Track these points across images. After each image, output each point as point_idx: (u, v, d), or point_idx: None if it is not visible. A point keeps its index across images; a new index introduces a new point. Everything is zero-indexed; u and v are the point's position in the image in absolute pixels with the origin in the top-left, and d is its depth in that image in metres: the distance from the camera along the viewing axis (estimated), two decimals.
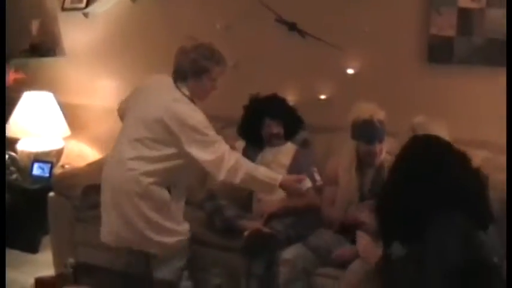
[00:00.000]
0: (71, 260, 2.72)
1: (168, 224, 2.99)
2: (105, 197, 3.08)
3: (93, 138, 4.77)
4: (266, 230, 3.07)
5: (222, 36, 4.03)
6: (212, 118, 4.01)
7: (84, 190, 3.68)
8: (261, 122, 3.53)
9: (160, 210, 2.95)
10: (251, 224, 3.17)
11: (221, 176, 2.88)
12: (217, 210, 3.29)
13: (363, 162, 3.05)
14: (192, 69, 3.04)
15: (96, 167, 4.04)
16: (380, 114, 2.97)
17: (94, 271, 2.98)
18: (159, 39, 4.35)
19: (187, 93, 3.06)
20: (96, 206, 3.51)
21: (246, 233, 3.05)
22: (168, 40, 4.29)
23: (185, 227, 3.10)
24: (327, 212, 3.17)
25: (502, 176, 3.05)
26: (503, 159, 3.15)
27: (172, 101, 3.00)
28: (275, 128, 3.50)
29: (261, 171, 2.97)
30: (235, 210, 3.31)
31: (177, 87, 3.06)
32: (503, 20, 3.28)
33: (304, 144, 3.57)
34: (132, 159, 2.94)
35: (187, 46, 3.08)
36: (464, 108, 3.50)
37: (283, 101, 3.59)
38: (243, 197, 3.51)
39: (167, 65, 4.28)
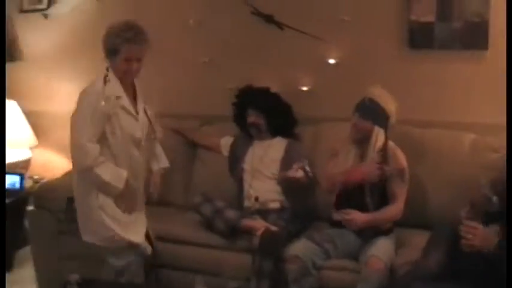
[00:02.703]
0: (76, 276, 2.68)
1: None
2: None
3: (61, 145, 4.67)
4: (273, 228, 3.16)
5: (196, 32, 4.07)
6: (189, 116, 4.11)
7: (68, 202, 3.59)
8: (246, 112, 3.64)
9: None
10: (255, 223, 3.24)
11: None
12: (217, 213, 3.33)
13: (352, 136, 3.17)
14: (104, 50, 3.01)
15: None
16: (377, 97, 3.08)
17: (100, 286, 2.97)
18: None
19: (110, 76, 3.00)
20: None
21: (258, 233, 3.11)
22: None
23: None
24: (329, 178, 3.24)
25: (494, 156, 3.25)
26: (491, 139, 3.35)
27: None
28: (255, 118, 3.59)
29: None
30: (234, 211, 3.36)
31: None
32: (482, 3, 3.44)
33: (293, 137, 3.66)
34: None
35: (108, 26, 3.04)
36: (446, 92, 3.65)
37: (267, 94, 3.67)
38: (234, 196, 3.58)
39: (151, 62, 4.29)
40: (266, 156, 3.55)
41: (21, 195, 4.18)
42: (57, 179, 3.99)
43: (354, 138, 3.14)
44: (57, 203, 3.64)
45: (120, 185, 2.97)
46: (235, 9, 3.90)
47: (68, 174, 4.12)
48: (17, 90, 4.69)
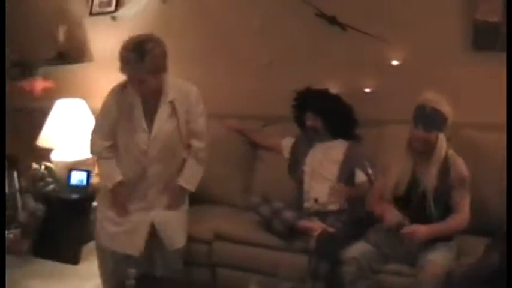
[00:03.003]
0: (133, 271, 2.76)
1: None
2: None
3: None
4: (331, 229, 3.15)
5: (259, 33, 4.10)
6: (251, 117, 4.14)
7: None
8: (305, 115, 3.63)
9: None
10: (312, 224, 3.24)
11: None
12: (275, 213, 3.35)
13: (413, 148, 3.04)
14: None
15: None
16: (436, 103, 2.97)
17: (156, 282, 3.04)
18: (191, 41, 4.41)
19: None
20: None
21: (315, 234, 3.11)
22: (201, 41, 4.37)
23: None
24: (374, 206, 3.20)
25: None
26: None
27: None
28: (313, 121, 3.58)
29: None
30: (292, 211, 3.36)
31: None
32: None
33: (354, 139, 3.62)
34: None
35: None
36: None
37: (326, 96, 3.66)
38: (293, 197, 3.59)
39: (201, 67, 4.37)
40: (326, 158, 3.54)
41: (88, 192, 4.31)
42: None
43: (417, 150, 3.03)
44: None
45: (109, 184, 3.20)
46: (298, 10, 3.90)
47: None
48: (86, 90, 4.86)
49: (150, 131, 3.09)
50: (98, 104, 4.71)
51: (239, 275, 3.33)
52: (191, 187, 3.32)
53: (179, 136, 3.18)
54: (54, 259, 4.30)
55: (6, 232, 4.90)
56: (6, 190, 5.30)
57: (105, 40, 4.78)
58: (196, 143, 3.27)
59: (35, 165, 4.66)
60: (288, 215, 3.32)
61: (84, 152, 4.57)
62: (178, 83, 3.21)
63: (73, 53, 4.86)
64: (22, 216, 4.93)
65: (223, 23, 4.26)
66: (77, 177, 4.47)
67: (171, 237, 3.28)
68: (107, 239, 3.30)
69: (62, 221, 4.33)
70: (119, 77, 4.66)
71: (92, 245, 4.25)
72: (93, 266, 3.98)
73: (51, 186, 4.53)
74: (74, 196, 4.30)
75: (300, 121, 3.73)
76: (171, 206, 3.28)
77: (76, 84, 4.96)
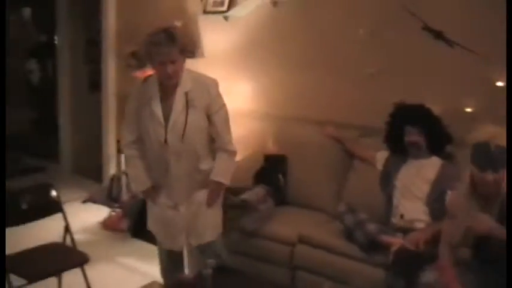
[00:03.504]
0: (211, 261, 2.91)
1: None
2: None
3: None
4: (411, 247, 3.13)
5: (365, 41, 4.12)
6: (350, 126, 4.18)
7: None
8: (403, 130, 3.59)
9: None
10: (393, 240, 3.24)
11: None
12: (359, 224, 3.38)
13: (478, 191, 2.76)
14: (143, 57, 3.26)
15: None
16: (499, 138, 2.76)
17: (233, 274, 3.18)
18: (298, 43, 4.51)
19: (151, 78, 3.23)
20: (232, 208, 3.77)
21: (393, 249, 3.12)
22: (307, 44, 4.46)
23: None
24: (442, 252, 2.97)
25: None
26: None
27: None
28: (414, 136, 3.54)
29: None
30: (376, 224, 3.38)
31: None
32: None
33: (448, 158, 3.57)
34: None
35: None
36: None
37: (427, 111, 3.61)
38: (381, 211, 3.60)
39: (306, 69, 4.47)
40: (418, 175, 3.50)
41: None
42: None
43: (483, 195, 2.77)
44: None
45: (139, 188, 3.38)
46: (405, 22, 3.88)
47: None
48: None
49: (166, 124, 3.10)
50: None
51: (316, 280, 3.40)
52: (224, 180, 3.28)
53: (198, 129, 3.16)
54: (149, 241, 4.56)
55: (110, 210, 5.29)
56: (114, 171, 5.70)
57: (217, 38, 5.01)
58: (221, 137, 3.23)
59: None
60: (371, 227, 3.34)
61: None
62: (195, 76, 3.21)
63: (186, 47, 5.08)
64: (125, 197, 5.29)
65: (330, 30, 4.31)
66: None
67: (202, 232, 3.32)
68: (155, 234, 3.46)
69: None
70: (228, 74, 4.90)
71: None
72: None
73: None
74: None
75: (393, 137, 3.70)
76: (208, 203, 3.28)
77: None
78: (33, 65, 8.30)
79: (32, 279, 3.10)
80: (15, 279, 3.14)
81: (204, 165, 3.23)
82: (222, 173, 3.27)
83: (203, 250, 3.38)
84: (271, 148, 4.37)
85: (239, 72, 4.90)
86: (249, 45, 4.80)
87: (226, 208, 3.78)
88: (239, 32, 4.84)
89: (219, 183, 3.27)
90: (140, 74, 5.23)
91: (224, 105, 3.27)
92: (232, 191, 3.87)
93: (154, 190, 3.29)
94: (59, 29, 6.93)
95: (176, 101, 3.09)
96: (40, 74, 8.16)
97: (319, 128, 4.20)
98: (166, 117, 3.09)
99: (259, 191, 3.95)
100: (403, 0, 3.84)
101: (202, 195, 3.27)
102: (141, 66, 5.32)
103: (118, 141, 5.20)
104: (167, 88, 3.11)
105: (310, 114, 4.45)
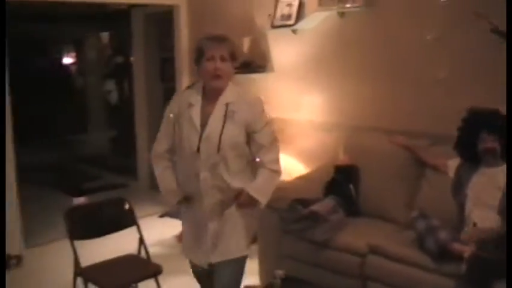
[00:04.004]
0: (280, 272, 2.95)
1: None
2: None
3: (301, 152, 5.07)
4: (485, 254, 3.05)
5: (432, 47, 4.08)
6: (420, 134, 4.13)
7: (291, 203, 3.93)
8: (477, 136, 3.51)
9: None
10: (464, 247, 3.16)
11: None
12: (430, 231, 3.33)
13: None
14: (194, 59, 3.12)
15: (304, 181, 4.39)
16: None
17: (302, 284, 3.21)
18: (366, 53, 4.53)
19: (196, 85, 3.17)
20: (301, 219, 3.84)
21: (466, 255, 3.06)
22: (375, 54, 4.47)
23: None
24: None
25: None
26: None
27: None
28: (491, 142, 3.45)
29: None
30: (449, 232, 3.32)
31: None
32: None
33: None
34: None
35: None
36: None
37: (503, 117, 3.52)
38: (454, 218, 3.54)
39: (374, 78, 4.47)
40: (490, 184, 3.40)
41: None
42: (287, 182, 4.34)
43: None
44: (283, 203, 3.94)
45: (172, 200, 3.21)
46: (473, 25, 3.80)
47: (299, 178, 4.50)
48: (265, 98, 5.15)
49: (202, 132, 3.00)
50: (275, 112, 5.03)
51: None
52: (261, 198, 3.07)
53: (234, 144, 3.02)
54: None
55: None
56: None
57: (286, 52, 5.10)
58: (265, 156, 3.08)
59: None
60: (443, 234, 3.28)
61: None
62: (240, 91, 3.12)
63: (256, 63, 5.21)
64: None
65: (397, 39, 4.30)
66: None
67: (230, 248, 3.14)
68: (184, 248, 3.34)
69: None
70: (298, 87, 4.98)
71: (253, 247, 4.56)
72: (254, 264, 4.28)
73: None
74: None
75: (467, 142, 3.63)
76: (237, 207, 3.12)
77: (256, 92, 5.28)
78: (111, 85, 8.69)
79: None
80: None
81: (237, 184, 3.06)
82: (259, 188, 3.07)
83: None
84: (342, 159, 4.38)
85: (309, 84, 4.96)
86: (317, 57, 4.85)
87: (296, 219, 3.87)
88: (307, 45, 4.90)
89: (252, 198, 3.06)
90: None
91: (269, 123, 3.14)
92: (303, 202, 3.93)
93: (187, 200, 3.16)
94: (134, 50, 7.23)
95: (216, 110, 3.02)
96: (118, 94, 8.54)
97: (390, 136, 4.18)
98: (203, 125, 3.01)
99: (329, 202, 3.97)
100: (470, 4, 3.80)
101: (233, 212, 3.12)
102: None
103: None
104: (210, 96, 3.05)
105: (380, 123, 4.44)
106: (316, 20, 4.75)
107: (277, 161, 3.14)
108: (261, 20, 5.21)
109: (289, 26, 4.88)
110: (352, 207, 4.08)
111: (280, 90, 5.18)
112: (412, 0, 4.19)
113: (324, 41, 4.78)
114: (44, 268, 4.80)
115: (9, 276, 4.65)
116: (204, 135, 2.99)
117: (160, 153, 3.18)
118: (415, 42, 4.20)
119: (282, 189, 4.16)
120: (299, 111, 5.06)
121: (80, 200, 3.86)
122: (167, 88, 6.76)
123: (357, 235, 3.75)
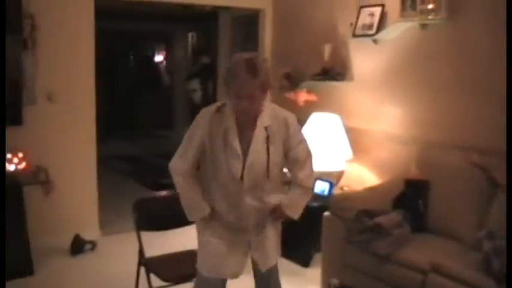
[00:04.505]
0: (335, 281, 2.99)
1: None
2: None
3: (374, 163, 5.07)
4: None
5: None
6: (495, 152, 3.98)
7: (357, 214, 3.94)
8: None
9: None
10: None
11: None
12: (497, 252, 3.25)
13: None
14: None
15: (373, 192, 4.39)
16: None
17: None
18: (447, 66, 4.45)
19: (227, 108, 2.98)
20: (365, 230, 3.84)
21: None
22: (455, 67, 4.39)
23: None
24: None
25: None
26: None
27: None
28: None
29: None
30: None
31: None
32: None
33: None
34: None
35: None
36: None
37: None
38: None
39: (453, 91, 4.39)
40: None
41: (326, 202, 4.63)
42: (356, 191, 4.36)
43: None
44: (349, 213, 3.98)
45: (198, 217, 3.12)
46: None
47: (368, 189, 4.50)
48: (342, 107, 5.23)
49: (244, 159, 2.92)
50: (352, 122, 5.09)
51: None
52: (294, 215, 3.13)
53: (277, 166, 3.01)
54: (288, 258, 4.76)
55: None
56: None
57: (365, 61, 5.10)
58: (299, 173, 3.07)
59: None
60: None
61: (331, 164, 4.96)
62: (275, 110, 3.03)
63: (336, 70, 5.25)
64: None
65: (479, 51, 4.20)
66: (320, 187, 4.87)
67: (271, 256, 3.20)
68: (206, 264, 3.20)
69: (301, 225, 4.70)
70: (376, 97, 4.97)
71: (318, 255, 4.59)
72: (318, 272, 4.33)
73: None
74: (315, 204, 4.59)
75: None
76: (272, 220, 3.16)
77: (334, 100, 5.36)
78: (196, 84, 8.96)
79: (168, 281, 3.47)
80: (154, 279, 3.52)
81: (273, 199, 3.08)
82: (292, 206, 3.12)
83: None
84: (414, 172, 4.34)
85: (387, 95, 4.94)
86: (397, 69, 4.83)
87: (361, 230, 3.88)
88: (388, 55, 4.88)
89: (284, 214, 3.12)
90: (293, 96, 5.51)
91: (304, 140, 3.10)
92: (369, 213, 3.94)
93: (215, 212, 3.10)
94: (220, 51, 7.42)
95: (256, 136, 2.92)
96: (202, 93, 8.79)
97: (465, 154, 4.10)
98: (244, 152, 2.92)
99: (396, 215, 3.94)
100: None
101: (269, 226, 3.16)
102: (293, 87, 5.59)
103: None
104: (244, 122, 2.93)
105: (455, 139, 4.36)
106: (398, 30, 4.73)
107: (310, 177, 3.14)
108: (343, 28, 5.24)
109: (370, 35, 4.89)
110: (419, 223, 4.04)
111: (359, 100, 5.19)
112: (494, 14, 4.08)
113: (404, 52, 4.75)
114: (115, 255, 5.06)
115: (83, 258, 5.01)
116: (247, 163, 2.92)
117: (185, 170, 3.03)
118: (498, 57, 4.09)
119: (351, 199, 4.22)
120: (376, 122, 5.04)
121: (155, 194, 4.03)
122: None
123: (420, 251, 3.71)
